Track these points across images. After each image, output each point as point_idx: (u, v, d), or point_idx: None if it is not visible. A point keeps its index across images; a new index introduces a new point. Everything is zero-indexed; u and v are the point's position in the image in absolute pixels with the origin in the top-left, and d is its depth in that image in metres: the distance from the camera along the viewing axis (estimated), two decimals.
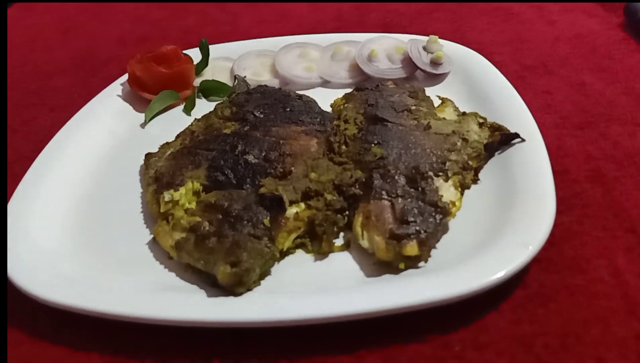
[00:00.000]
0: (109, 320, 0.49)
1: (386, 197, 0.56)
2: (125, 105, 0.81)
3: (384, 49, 0.85)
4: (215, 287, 0.51)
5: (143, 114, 0.79)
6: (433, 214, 0.54)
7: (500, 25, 0.99)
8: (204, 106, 0.81)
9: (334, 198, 0.58)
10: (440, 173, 0.59)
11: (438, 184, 0.58)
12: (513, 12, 1.03)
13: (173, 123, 0.77)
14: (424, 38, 0.85)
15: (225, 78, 0.87)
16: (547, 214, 0.53)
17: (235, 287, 0.50)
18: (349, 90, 0.81)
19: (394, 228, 0.53)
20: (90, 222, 0.62)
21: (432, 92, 0.77)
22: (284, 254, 0.55)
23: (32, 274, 0.52)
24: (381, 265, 0.52)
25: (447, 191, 0.58)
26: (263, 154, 0.63)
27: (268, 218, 0.55)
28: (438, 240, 0.54)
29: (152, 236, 0.59)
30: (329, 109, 0.77)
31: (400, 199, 0.56)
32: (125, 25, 1.13)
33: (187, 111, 0.81)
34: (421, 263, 0.52)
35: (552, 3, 1.04)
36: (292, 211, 0.56)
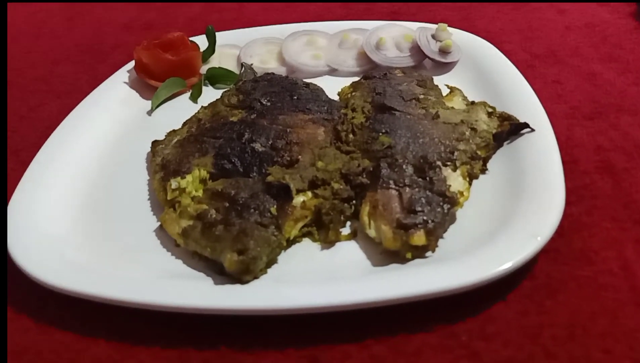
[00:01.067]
0: (116, 307, 0.49)
1: (394, 186, 0.56)
2: (132, 92, 0.81)
3: (392, 37, 0.84)
4: (222, 275, 0.51)
5: (149, 101, 0.79)
6: (441, 204, 0.54)
7: (510, 14, 0.98)
8: (210, 94, 0.81)
9: (341, 187, 0.58)
10: (449, 163, 0.59)
11: (446, 174, 0.57)
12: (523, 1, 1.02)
13: (180, 111, 0.77)
14: (433, 26, 0.84)
15: (231, 65, 0.86)
16: (556, 205, 0.52)
17: (242, 275, 0.50)
18: (356, 78, 0.81)
19: (402, 218, 0.52)
20: (97, 209, 0.62)
21: (441, 81, 0.76)
22: (290, 242, 0.55)
23: (39, 260, 0.52)
24: (388, 255, 0.52)
25: (455, 180, 0.57)
26: (270, 143, 0.63)
27: (275, 206, 0.55)
28: (445, 230, 0.54)
29: (159, 223, 0.59)
30: (337, 98, 0.76)
31: (407, 189, 0.55)
32: (131, 12, 1.12)
33: (194, 98, 0.80)
34: (428, 253, 0.52)
35: None
36: (299, 199, 0.56)
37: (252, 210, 0.54)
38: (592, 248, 0.53)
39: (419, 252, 0.51)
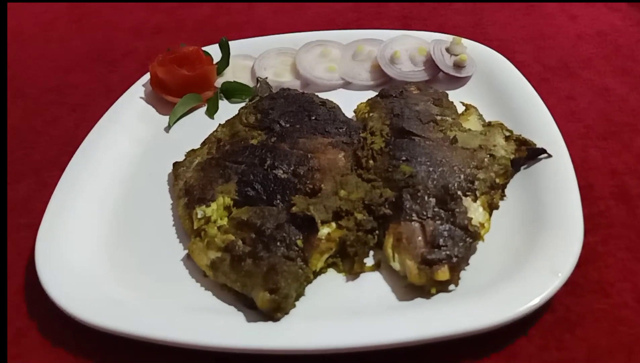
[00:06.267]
0: (150, 343, 0.51)
1: (416, 218, 0.57)
2: (148, 108, 0.81)
3: (406, 50, 0.84)
4: (252, 309, 0.53)
5: (166, 117, 0.80)
6: (463, 238, 0.55)
7: (522, 20, 0.98)
8: (225, 107, 0.82)
9: (365, 218, 0.59)
10: (469, 193, 0.60)
11: (467, 205, 0.59)
12: (533, 5, 1.02)
13: (196, 126, 0.78)
14: (447, 38, 0.85)
15: (245, 77, 0.87)
16: (575, 240, 0.54)
17: (274, 313, 0.51)
18: (370, 91, 0.82)
19: (426, 253, 0.54)
20: (123, 237, 0.63)
21: (455, 96, 0.77)
22: (316, 274, 0.57)
23: (74, 295, 0.54)
24: (412, 288, 0.54)
25: (475, 211, 0.59)
26: (292, 169, 0.64)
27: (301, 238, 0.56)
28: (468, 264, 0.55)
29: (186, 251, 0.60)
30: (351, 111, 0.77)
31: (430, 221, 0.57)
32: (139, 14, 1.11)
33: (210, 114, 0.81)
34: (451, 286, 0.54)
35: None
36: (324, 231, 0.58)
37: (278, 243, 0.56)
38: (608, 280, 0.55)
39: (443, 286, 0.53)
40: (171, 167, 0.70)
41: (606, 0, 0.99)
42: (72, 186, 0.67)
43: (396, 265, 0.55)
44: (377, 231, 0.59)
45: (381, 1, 1.08)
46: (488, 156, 0.64)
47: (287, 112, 0.73)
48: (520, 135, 0.67)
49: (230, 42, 0.89)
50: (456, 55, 0.82)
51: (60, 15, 1.14)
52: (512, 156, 0.65)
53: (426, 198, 0.59)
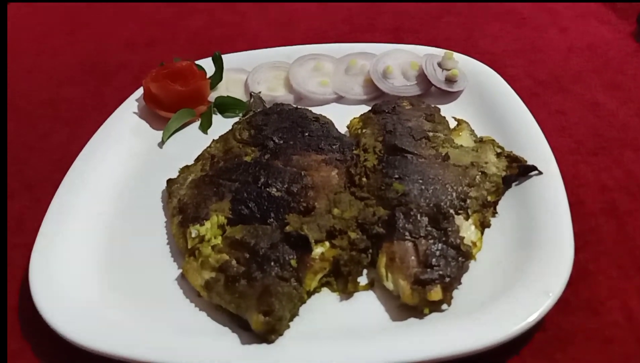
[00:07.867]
0: None
1: (409, 237, 0.58)
2: (142, 123, 0.81)
3: (398, 65, 0.85)
4: (246, 330, 0.53)
5: (160, 132, 0.80)
6: (456, 257, 0.56)
7: (513, 32, 0.99)
8: (219, 122, 0.82)
9: (358, 236, 0.59)
10: (461, 211, 0.60)
11: (459, 223, 0.59)
12: (525, 17, 1.03)
13: (190, 141, 0.79)
14: (439, 53, 0.85)
15: (239, 91, 0.87)
16: (566, 259, 0.54)
17: (268, 335, 0.52)
18: (363, 106, 0.82)
19: (419, 273, 0.54)
20: (116, 258, 0.63)
21: (447, 110, 0.78)
22: (310, 294, 0.57)
23: (68, 318, 0.54)
24: (406, 308, 0.54)
25: (467, 230, 0.59)
26: (285, 187, 0.64)
27: (295, 258, 0.57)
28: (460, 283, 0.56)
29: (180, 271, 0.61)
30: (344, 126, 0.78)
31: (423, 241, 0.57)
32: (132, 26, 1.11)
33: (204, 129, 0.81)
34: (444, 306, 0.54)
35: (564, 6, 1.03)
36: (317, 251, 0.58)
37: (272, 263, 0.56)
38: (599, 298, 0.56)
39: (436, 306, 0.54)
40: (165, 183, 0.70)
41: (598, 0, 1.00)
42: (66, 204, 0.67)
43: (389, 285, 0.56)
44: (370, 250, 0.59)
45: (375, 1, 1.08)
46: (480, 173, 0.65)
47: (281, 128, 0.73)
48: (512, 152, 0.68)
49: (223, 56, 0.89)
50: (448, 70, 0.82)
51: (53, 28, 1.13)
52: (503, 173, 0.65)
53: (419, 216, 0.59)
